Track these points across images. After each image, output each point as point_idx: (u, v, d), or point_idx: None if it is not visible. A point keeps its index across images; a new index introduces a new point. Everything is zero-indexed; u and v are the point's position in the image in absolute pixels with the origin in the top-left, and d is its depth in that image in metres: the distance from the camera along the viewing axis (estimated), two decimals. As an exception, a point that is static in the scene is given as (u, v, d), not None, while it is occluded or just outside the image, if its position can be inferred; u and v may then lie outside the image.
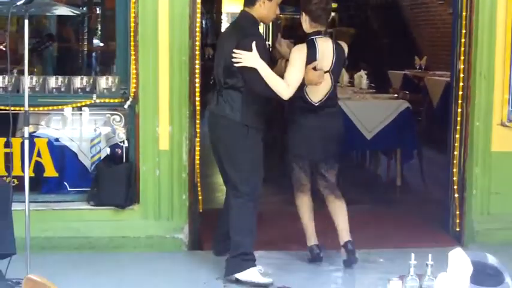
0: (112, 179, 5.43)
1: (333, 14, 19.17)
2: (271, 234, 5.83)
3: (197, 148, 5.53)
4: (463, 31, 5.69)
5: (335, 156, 5.18)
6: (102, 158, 5.59)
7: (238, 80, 4.74)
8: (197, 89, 5.49)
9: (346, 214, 5.16)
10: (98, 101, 5.48)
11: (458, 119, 5.74)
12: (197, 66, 5.48)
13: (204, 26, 18.10)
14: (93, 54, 9.23)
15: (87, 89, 5.59)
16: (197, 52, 5.51)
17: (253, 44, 4.63)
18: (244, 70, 4.67)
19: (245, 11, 4.89)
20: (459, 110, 5.73)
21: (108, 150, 5.60)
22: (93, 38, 9.61)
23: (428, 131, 9.61)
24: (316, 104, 4.94)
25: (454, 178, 5.75)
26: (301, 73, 4.74)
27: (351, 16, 17.40)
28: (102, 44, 9.39)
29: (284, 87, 4.66)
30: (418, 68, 13.16)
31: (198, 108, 5.52)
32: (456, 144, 5.74)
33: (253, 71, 4.64)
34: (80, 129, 5.63)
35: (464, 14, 5.68)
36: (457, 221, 5.75)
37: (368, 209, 6.88)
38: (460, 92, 5.72)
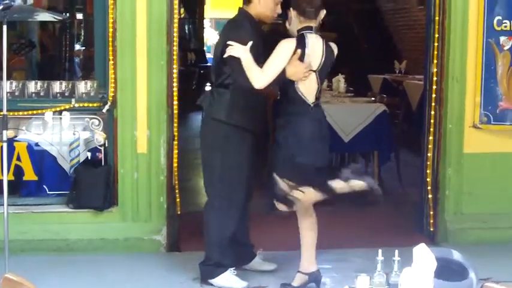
0: (91, 182, 5.51)
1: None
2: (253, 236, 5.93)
3: (175, 151, 5.61)
4: (436, 35, 5.80)
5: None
6: (81, 161, 5.66)
7: (227, 77, 4.70)
8: (175, 93, 5.58)
9: None
10: (76, 105, 5.57)
11: (432, 121, 5.86)
12: (175, 71, 5.56)
13: (187, 31, 18.18)
14: (74, 59, 9.28)
15: (66, 94, 5.66)
16: (175, 57, 5.59)
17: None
18: (230, 61, 4.58)
19: (242, 9, 4.84)
20: (432, 112, 5.85)
21: (87, 154, 5.67)
22: (73, 43, 9.67)
23: (407, 134, 9.73)
24: (311, 105, 4.62)
25: (428, 179, 5.86)
26: (282, 64, 4.46)
27: (332, 21, 17.55)
28: (82, 49, 9.44)
29: (258, 74, 4.42)
30: (397, 72, 13.31)
31: (176, 112, 5.60)
32: (430, 146, 5.86)
33: (238, 62, 4.49)
34: (59, 133, 5.69)
35: (437, 18, 5.80)
36: (431, 221, 5.86)
37: (344, 210, 6.96)
38: (434, 95, 5.84)
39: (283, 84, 4.56)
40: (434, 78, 5.81)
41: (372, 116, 7.92)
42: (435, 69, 5.80)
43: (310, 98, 4.60)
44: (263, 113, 5.08)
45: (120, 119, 5.51)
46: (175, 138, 5.61)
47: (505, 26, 5.71)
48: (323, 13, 4.66)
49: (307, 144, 4.58)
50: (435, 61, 5.81)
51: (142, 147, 5.52)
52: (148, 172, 5.54)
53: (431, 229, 5.86)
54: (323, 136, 4.71)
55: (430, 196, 5.85)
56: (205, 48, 21.65)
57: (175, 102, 5.58)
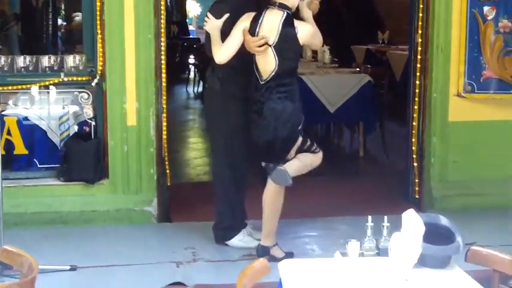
0: (81, 155, 5.57)
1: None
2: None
3: (164, 123, 5.67)
4: (421, 6, 5.86)
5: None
6: (71, 135, 5.70)
7: None
8: (163, 66, 5.62)
9: None
10: (65, 79, 5.60)
11: (417, 91, 5.93)
12: (162, 44, 5.60)
13: (168, 3, 18.12)
14: (58, 33, 9.26)
15: (55, 68, 5.68)
16: (162, 30, 5.63)
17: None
18: (206, 34, 4.82)
19: None
20: (417, 82, 5.92)
21: (76, 128, 5.71)
22: (57, 17, 9.63)
23: (391, 104, 9.83)
24: (261, 83, 4.61)
25: (413, 148, 5.96)
26: (237, 40, 4.58)
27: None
28: (65, 24, 9.42)
29: (216, 51, 4.61)
30: (381, 42, 13.37)
31: (164, 84, 5.65)
32: (415, 115, 5.94)
33: (209, 37, 4.73)
34: (49, 107, 5.72)
35: (421, -11, 5.87)
36: (416, 188, 5.97)
37: (332, 179, 7.08)
38: (418, 65, 5.91)
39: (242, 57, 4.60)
40: (419, 48, 5.88)
41: (357, 87, 8.01)
42: (420, 40, 5.87)
43: (264, 74, 4.59)
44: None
45: (109, 92, 5.55)
46: (164, 110, 5.67)
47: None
48: None
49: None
50: (420, 31, 5.88)
51: (132, 120, 5.58)
52: (138, 144, 5.60)
53: (417, 196, 5.97)
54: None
55: (415, 164, 5.95)
56: (187, 20, 21.59)
57: (164, 75, 5.63)
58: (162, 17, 5.62)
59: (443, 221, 3.33)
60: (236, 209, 5.10)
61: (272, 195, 4.78)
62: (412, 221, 3.01)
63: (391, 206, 5.91)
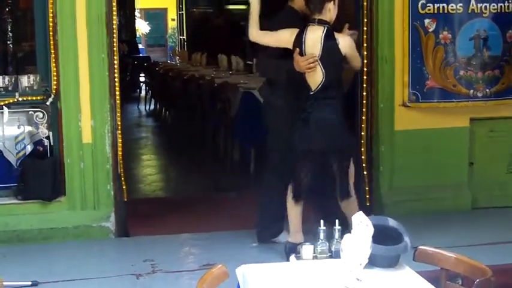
0: (38, 174, 5.62)
1: (244, 6, 19.52)
2: (197, 218, 6.18)
3: (119, 140, 5.76)
4: (365, 20, 6.06)
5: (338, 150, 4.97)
6: (27, 154, 5.75)
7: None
8: (117, 84, 5.72)
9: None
10: (20, 99, 5.66)
11: (364, 102, 6.10)
12: (116, 62, 5.71)
13: (118, 22, 18.14)
14: (14, 53, 9.24)
15: (10, 88, 5.74)
16: (115, 48, 5.73)
17: None
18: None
19: (287, 4, 5.30)
20: (364, 93, 6.10)
21: (32, 147, 5.76)
22: (8, 37, 9.61)
23: (345, 115, 10.02)
24: (311, 94, 4.90)
25: (363, 157, 6.12)
26: (271, 40, 5.04)
27: (264, 8, 17.76)
28: (22, 44, 9.40)
29: (254, 28, 5.06)
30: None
31: (118, 102, 5.75)
32: (363, 126, 6.10)
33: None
34: (4, 127, 5.74)
35: (365, 4, 6.04)
36: (367, 196, 6.13)
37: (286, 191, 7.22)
38: (365, 77, 6.07)
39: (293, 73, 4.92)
40: (365, 61, 6.05)
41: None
42: (365, 52, 6.04)
43: (313, 86, 4.89)
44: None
45: (64, 110, 5.63)
46: (119, 127, 5.76)
47: (429, 9, 6.02)
48: (330, 5, 4.93)
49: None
50: (365, 44, 6.05)
51: (87, 137, 5.65)
52: (94, 161, 5.67)
53: (368, 204, 6.13)
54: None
55: (365, 173, 6.12)
56: (136, 39, 21.64)
57: (117, 92, 5.73)
58: (115, 35, 5.72)
59: (392, 222, 3.45)
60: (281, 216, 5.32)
61: None
62: (362, 223, 3.15)
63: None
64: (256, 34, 5.07)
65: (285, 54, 5.01)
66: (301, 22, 5.09)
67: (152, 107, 14.51)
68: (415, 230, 4.98)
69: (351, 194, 5.04)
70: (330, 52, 4.87)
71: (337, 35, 4.94)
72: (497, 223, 5.89)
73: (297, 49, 4.87)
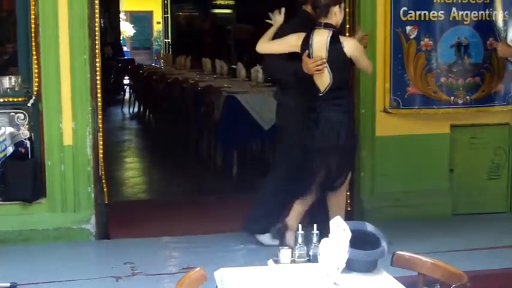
0: (18, 175, 5.61)
1: (230, 11, 19.58)
2: (179, 221, 6.18)
3: (100, 142, 5.76)
4: (347, 26, 6.05)
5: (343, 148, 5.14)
6: (8, 155, 5.73)
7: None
8: (98, 86, 5.72)
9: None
10: (1, 100, 5.65)
11: (342, 107, 6.16)
12: (98, 65, 5.71)
13: (102, 25, 18.12)
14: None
15: (-10, 89, 5.75)
16: (97, 50, 5.73)
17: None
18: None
19: (302, 9, 5.43)
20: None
21: (13, 148, 5.74)
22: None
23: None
24: (319, 96, 5.08)
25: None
26: (277, 48, 5.19)
27: (249, 12, 17.78)
28: (4, 45, 9.38)
29: (262, 43, 5.23)
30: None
31: (100, 104, 5.75)
32: (344, 131, 6.16)
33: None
34: (-16, 128, 5.75)
35: (348, 10, 6.04)
36: (348, 201, 6.15)
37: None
38: (347, 82, 6.14)
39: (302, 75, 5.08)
40: (347, 67, 6.11)
41: (291, 104, 8.19)
42: (348, 58, 6.10)
43: (321, 87, 5.06)
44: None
45: (46, 112, 5.62)
46: (100, 129, 5.76)
47: (411, 17, 6.06)
48: (336, 9, 5.07)
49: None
50: (345, 51, 6.10)
51: (68, 140, 5.64)
52: (75, 163, 5.66)
53: (349, 209, 6.14)
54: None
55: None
56: (121, 41, 21.61)
57: (99, 95, 5.73)
58: (97, 38, 5.72)
59: (370, 227, 3.47)
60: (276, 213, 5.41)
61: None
62: (339, 228, 3.18)
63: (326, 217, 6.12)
64: (264, 46, 5.23)
65: (292, 56, 5.15)
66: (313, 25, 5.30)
67: (136, 109, 14.50)
68: (395, 235, 5.12)
69: (341, 186, 5.21)
70: (336, 55, 5.02)
71: (342, 38, 5.10)
72: (476, 229, 5.93)
73: (306, 51, 5.03)
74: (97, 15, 5.73)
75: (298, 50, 5.10)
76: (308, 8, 5.35)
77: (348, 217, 6.02)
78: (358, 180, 6.17)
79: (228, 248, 5.48)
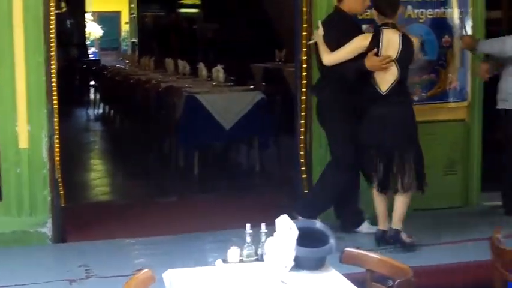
0: (-27, 179, 5.57)
1: (196, 10, 19.56)
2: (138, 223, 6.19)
3: (56, 145, 5.72)
4: (304, 25, 6.13)
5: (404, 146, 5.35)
6: (-37, 159, 5.69)
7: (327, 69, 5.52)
8: (54, 89, 5.68)
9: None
10: (-46, 103, 5.60)
11: (303, 106, 6.17)
12: (53, 67, 5.67)
13: (68, 26, 18.00)
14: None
15: None
16: (53, 53, 5.69)
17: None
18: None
19: (337, 7, 5.63)
20: (303, 97, 6.17)
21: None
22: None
23: (288, 119, 10.12)
24: (383, 93, 5.31)
25: (301, 160, 6.19)
26: (348, 55, 5.32)
27: (215, 11, 17.77)
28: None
29: (326, 53, 5.40)
30: (278, 60, 13.70)
31: (55, 107, 5.72)
32: (302, 129, 6.18)
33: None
34: None
35: (304, 9, 6.11)
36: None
37: (229, 194, 7.28)
38: (304, 81, 6.15)
39: (362, 73, 5.31)
40: (304, 65, 6.12)
41: (251, 104, 8.25)
42: (304, 57, 6.11)
43: (385, 85, 5.30)
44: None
45: (1, 115, 5.56)
46: (57, 132, 5.73)
47: (366, 15, 6.02)
48: (401, 9, 5.55)
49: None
50: (304, 49, 6.11)
51: (24, 142, 5.59)
52: (31, 166, 5.61)
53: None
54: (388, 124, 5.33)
55: (304, 176, 6.18)
56: (88, 42, 21.49)
57: (55, 98, 5.70)
58: (53, 40, 5.68)
59: (318, 225, 3.51)
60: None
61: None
62: (286, 226, 3.20)
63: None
64: (330, 58, 5.39)
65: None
66: (352, 24, 5.63)
67: (101, 111, 14.44)
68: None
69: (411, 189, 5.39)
70: (407, 53, 5.31)
71: (411, 37, 5.38)
72: (434, 225, 5.99)
73: (375, 49, 5.24)
74: (53, 18, 5.69)
75: (363, 50, 5.30)
76: (344, 6, 5.55)
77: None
78: (316, 178, 6.16)
79: (188, 249, 5.48)
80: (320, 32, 5.50)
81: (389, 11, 5.37)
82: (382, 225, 5.49)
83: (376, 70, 5.27)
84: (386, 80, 5.30)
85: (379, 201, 5.48)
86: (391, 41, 5.28)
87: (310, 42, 5.66)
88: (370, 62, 5.25)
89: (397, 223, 5.40)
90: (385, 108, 5.30)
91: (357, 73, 5.33)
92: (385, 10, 5.38)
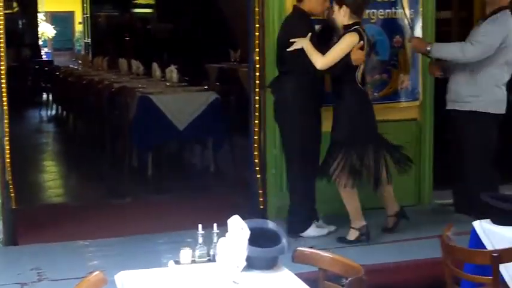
0: None
1: (150, 10, 19.49)
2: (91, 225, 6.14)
3: (7, 147, 5.64)
4: (257, 25, 6.14)
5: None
6: None
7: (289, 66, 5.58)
8: (3, 91, 5.60)
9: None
10: None
11: (257, 106, 6.19)
12: (2, 68, 5.59)
13: (20, 26, 17.77)
14: None
15: None
16: (2, 54, 5.62)
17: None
18: (298, 52, 5.43)
19: (296, 6, 5.67)
20: (257, 97, 6.19)
21: None
22: None
23: (242, 120, 10.13)
24: (363, 87, 5.54)
25: (256, 160, 6.21)
26: (342, 54, 5.34)
27: (169, 11, 17.69)
28: None
29: (319, 57, 5.36)
30: (233, 61, 13.71)
31: (5, 108, 5.63)
32: (256, 129, 6.19)
33: (303, 52, 5.41)
34: None
35: (257, 9, 6.12)
36: (261, 199, 6.21)
37: (183, 195, 7.25)
38: (257, 81, 6.17)
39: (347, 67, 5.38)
40: (257, 66, 6.14)
41: (205, 104, 8.24)
42: (257, 57, 6.13)
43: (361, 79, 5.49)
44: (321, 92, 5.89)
45: (-51, 118, 5.50)
46: (6, 134, 5.65)
47: (318, 16, 6.11)
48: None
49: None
50: (257, 49, 6.13)
51: (-27, 145, 5.53)
52: (-19, 169, 5.56)
53: (262, 207, 6.20)
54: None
55: (258, 176, 6.20)
56: (41, 43, 21.23)
57: (4, 99, 5.61)
58: (2, 41, 5.61)
59: (271, 225, 3.52)
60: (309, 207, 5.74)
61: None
62: (237, 226, 3.20)
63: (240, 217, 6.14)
64: (325, 60, 5.38)
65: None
66: (310, 23, 5.63)
67: (54, 112, 14.28)
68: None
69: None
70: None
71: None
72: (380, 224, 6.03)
73: (361, 42, 5.36)
74: (1, 18, 5.62)
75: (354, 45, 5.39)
76: (304, 6, 5.59)
77: (262, 215, 6.10)
78: (270, 178, 6.21)
79: (141, 250, 5.45)
80: (308, 38, 5.45)
81: (361, 11, 5.54)
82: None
83: (359, 63, 5.39)
84: (360, 72, 5.47)
85: (355, 198, 5.60)
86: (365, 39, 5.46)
87: (290, 49, 5.47)
88: (355, 55, 5.34)
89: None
90: (365, 101, 5.60)
91: (342, 68, 5.38)
92: (358, 9, 5.48)
